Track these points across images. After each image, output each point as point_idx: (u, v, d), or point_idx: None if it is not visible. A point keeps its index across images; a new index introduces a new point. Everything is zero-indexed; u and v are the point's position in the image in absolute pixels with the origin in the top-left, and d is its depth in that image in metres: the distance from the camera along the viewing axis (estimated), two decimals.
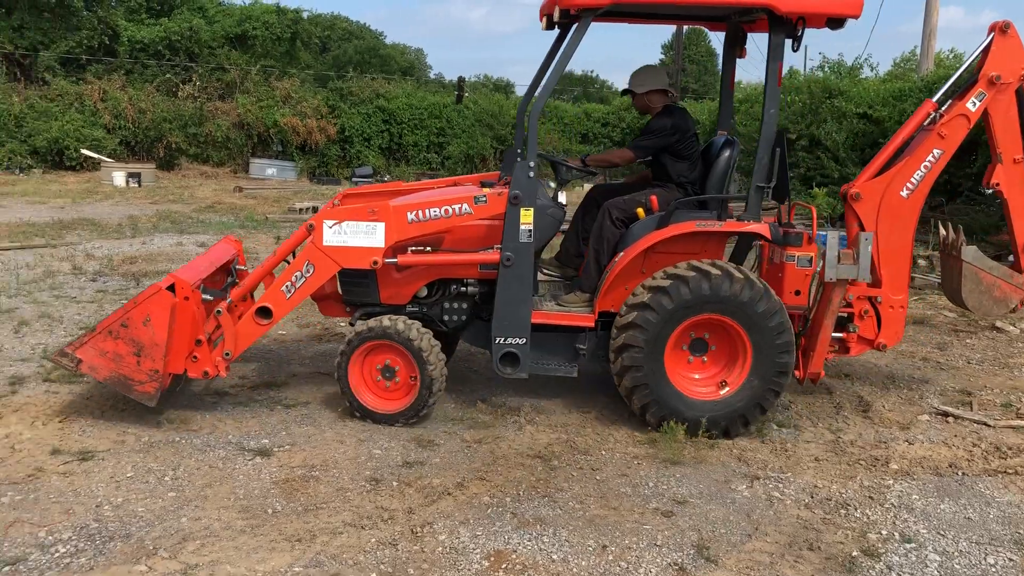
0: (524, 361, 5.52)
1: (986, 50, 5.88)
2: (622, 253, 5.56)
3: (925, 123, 5.98)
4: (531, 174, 5.32)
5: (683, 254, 5.48)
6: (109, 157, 23.80)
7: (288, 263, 5.56)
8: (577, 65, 66.89)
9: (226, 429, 5.30)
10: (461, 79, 32.01)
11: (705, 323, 5.39)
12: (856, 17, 5.36)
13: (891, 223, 5.92)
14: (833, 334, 5.83)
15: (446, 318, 5.85)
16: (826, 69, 25.95)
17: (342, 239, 5.43)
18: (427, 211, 5.45)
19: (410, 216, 5.44)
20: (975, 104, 5.86)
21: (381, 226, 5.41)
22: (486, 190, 5.55)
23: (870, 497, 4.64)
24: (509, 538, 4.06)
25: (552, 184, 5.93)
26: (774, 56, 5.38)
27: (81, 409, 5.51)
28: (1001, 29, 5.84)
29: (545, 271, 6.38)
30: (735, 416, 5.38)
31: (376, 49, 48.52)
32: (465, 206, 5.46)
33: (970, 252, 6.18)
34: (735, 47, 6.30)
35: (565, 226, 6.35)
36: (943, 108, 5.95)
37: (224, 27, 30.15)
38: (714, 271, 5.26)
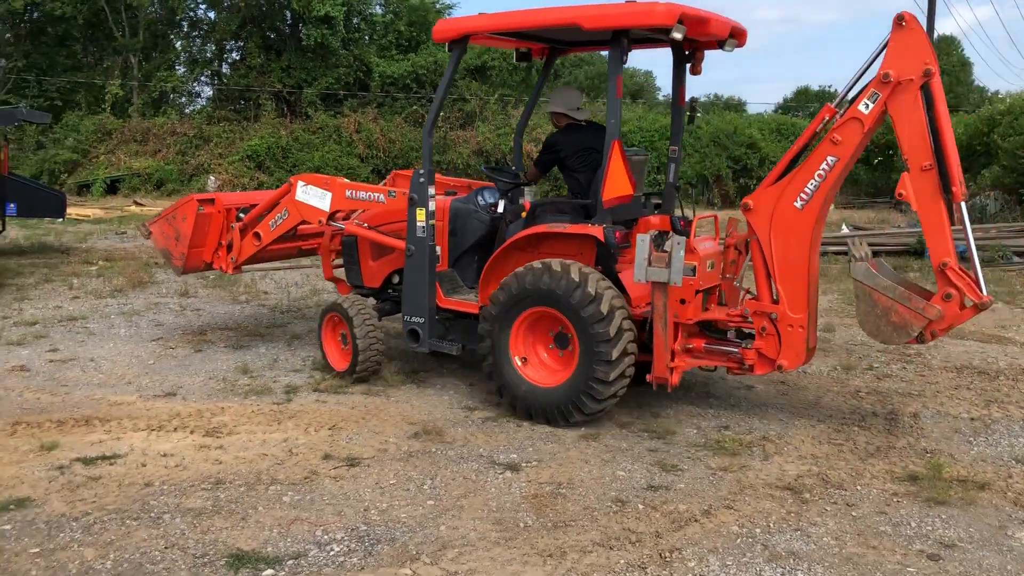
0: (424, 338, 6.50)
1: (885, 45, 5.25)
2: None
3: (818, 129, 5.48)
4: (421, 180, 6.30)
5: (559, 255, 5.87)
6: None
7: None
8: (814, 80, 64.02)
9: (477, 443, 5.54)
10: (693, 100, 31.65)
11: (549, 316, 5.81)
12: (668, 27, 5.39)
13: (785, 236, 5.52)
14: (727, 349, 5.73)
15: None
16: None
17: (305, 197, 7.03)
18: (359, 192, 6.83)
19: (348, 193, 6.85)
20: (868, 106, 5.28)
21: (329, 195, 6.91)
22: (401, 189, 6.54)
23: None
24: (761, 570, 3.95)
25: (491, 195, 6.86)
26: (612, 70, 5.84)
27: (347, 417, 5.96)
28: (898, 22, 5.19)
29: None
30: (563, 404, 5.71)
31: (606, 74, 48.98)
32: (381, 196, 6.70)
33: (860, 270, 5.45)
34: (682, 65, 6.67)
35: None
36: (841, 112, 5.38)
37: (465, 60, 31.59)
38: (546, 267, 5.69)
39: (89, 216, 19.17)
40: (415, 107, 29.24)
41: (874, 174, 27.81)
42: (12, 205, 12.59)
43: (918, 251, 13.43)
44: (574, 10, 5.74)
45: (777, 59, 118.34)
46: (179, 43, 32.39)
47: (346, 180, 7.12)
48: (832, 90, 57.88)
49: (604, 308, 5.50)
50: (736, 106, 49.68)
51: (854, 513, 4.57)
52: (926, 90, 5.16)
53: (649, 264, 5.43)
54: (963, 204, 5.23)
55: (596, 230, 5.73)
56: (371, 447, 5.43)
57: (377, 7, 31.22)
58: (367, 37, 30.79)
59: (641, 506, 4.62)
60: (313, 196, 6.99)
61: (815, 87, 58.29)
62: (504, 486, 4.86)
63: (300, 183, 7.07)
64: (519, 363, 5.95)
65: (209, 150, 26.22)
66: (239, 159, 25.32)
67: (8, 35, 29.69)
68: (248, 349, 7.84)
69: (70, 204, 16.57)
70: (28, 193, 13.05)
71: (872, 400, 6.55)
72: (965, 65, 52.74)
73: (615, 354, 5.51)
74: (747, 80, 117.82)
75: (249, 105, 29.42)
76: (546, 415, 5.81)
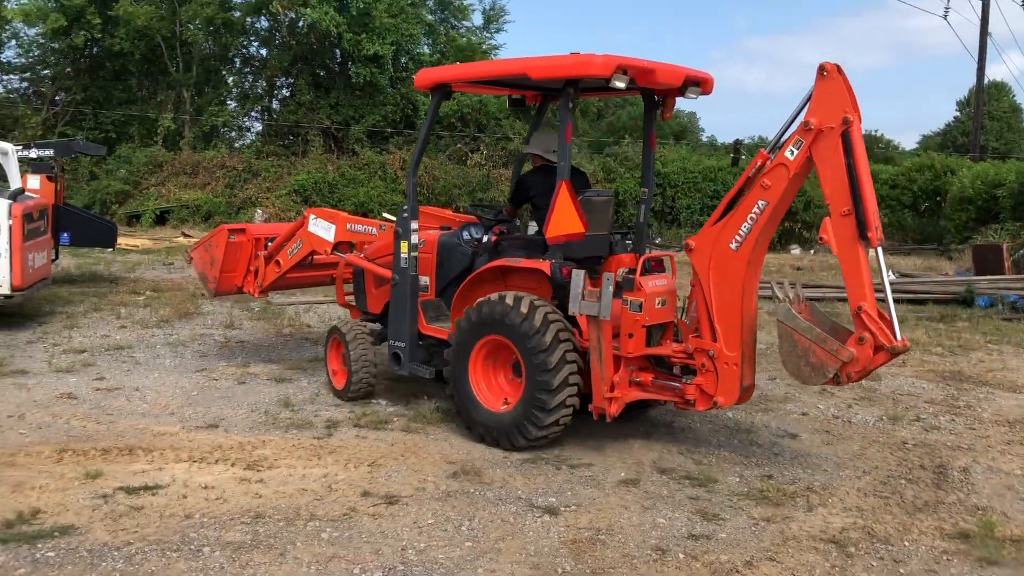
0: (405, 361, 6.93)
1: (810, 95, 5.48)
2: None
3: (751, 173, 5.67)
4: (404, 215, 6.79)
5: (522, 287, 6.30)
6: None
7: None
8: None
9: (515, 484, 5.50)
10: (737, 141, 31.64)
11: (505, 345, 6.11)
12: (606, 77, 5.76)
13: (721, 276, 5.74)
14: (673, 384, 5.96)
15: None
16: None
17: (315, 229, 7.60)
18: (356, 226, 7.50)
19: (348, 226, 7.44)
20: (793, 153, 5.51)
21: (333, 227, 7.48)
22: (388, 222, 7.18)
23: None
24: None
25: (476, 230, 7.21)
26: (562, 116, 6.21)
27: (387, 454, 5.97)
28: (820, 72, 5.42)
29: None
30: (507, 429, 6.04)
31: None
32: (374, 229, 7.39)
33: (782, 311, 5.60)
34: (651, 112, 6.86)
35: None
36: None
37: (508, 98, 31.93)
38: (501, 299, 6.07)
39: (138, 246, 19.57)
40: (459, 145, 29.57)
41: (921, 220, 27.43)
42: (66, 234, 12.92)
43: (967, 300, 13.19)
44: (523, 61, 6.31)
45: None
46: (231, 79, 33.16)
47: (349, 214, 7.79)
48: (878, 133, 57.59)
49: (548, 339, 5.82)
50: None
51: (901, 570, 4.45)
52: (846, 138, 5.31)
53: (582, 298, 5.70)
54: (879, 249, 5.39)
55: (544, 265, 6.14)
56: (410, 485, 5.42)
57: (425, 47, 31.75)
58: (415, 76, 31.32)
59: (682, 555, 4.54)
60: (321, 228, 7.62)
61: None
62: (542, 530, 4.82)
63: (312, 216, 7.70)
64: (476, 387, 6.32)
65: (257, 184, 26.71)
66: (286, 193, 25.75)
67: (68, 69, 30.63)
68: (290, 382, 7.90)
69: (120, 234, 16.96)
70: (81, 223, 13.38)
71: (920, 452, 6.41)
72: (1016, 111, 52.05)
73: (555, 383, 5.81)
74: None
75: (297, 140, 29.97)
76: (495, 438, 6.14)
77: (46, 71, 31.53)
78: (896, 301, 12.98)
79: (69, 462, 5.65)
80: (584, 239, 6.25)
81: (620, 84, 5.88)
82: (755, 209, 5.60)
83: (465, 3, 33.15)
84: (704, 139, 56.86)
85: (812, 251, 25.84)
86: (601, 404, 5.86)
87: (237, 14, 31.02)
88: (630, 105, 50.81)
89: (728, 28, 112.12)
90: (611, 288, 5.61)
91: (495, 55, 34.47)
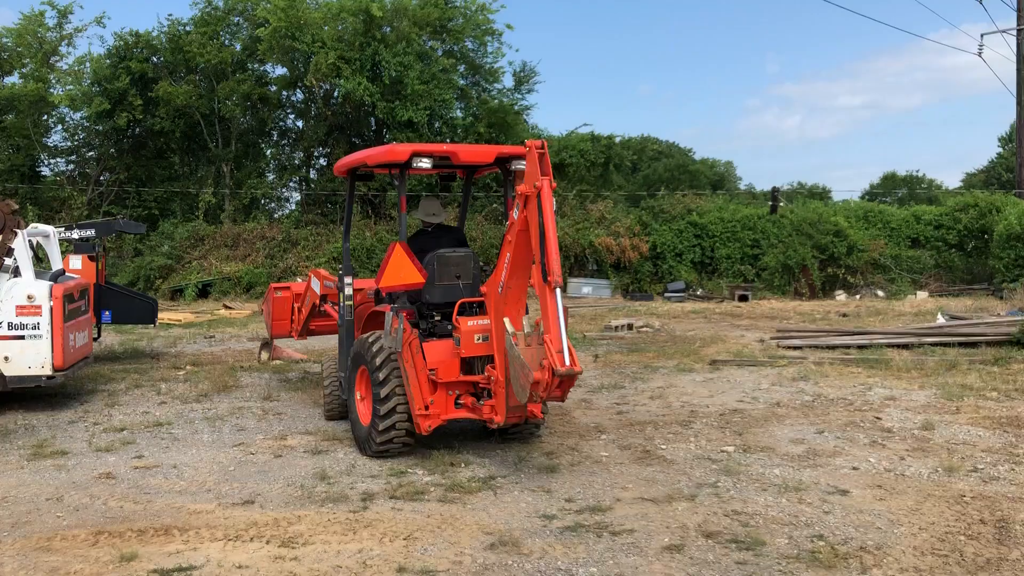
0: (344, 387, 8.67)
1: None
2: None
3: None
4: (341, 273, 8.68)
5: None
6: None
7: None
8: (900, 165, 63.04)
9: (555, 555, 5.33)
10: (775, 189, 31.41)
11: (366, 373, 7.78)
12: (403, 162, 7.63)
13: (496, 314, 7.10)
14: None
15: None
16: None
17: (313, 285, 10.10)
18: (326, 282, 9.68)
19: (325, 282, 9.73)
20: (516, 213, 6.88)
21: (318, 283, 9.89)
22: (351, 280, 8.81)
23: None
24: None
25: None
26: (398, 190, 8.10)
27: (423, 526, 5.84)
28: (525, 151, 6.90)
29: None
30: (364, 438, 7.65)
31: (685, 165, 49.20)
32: (331, 284, 9.50)
33: (507, 342, 6.75)
34: (506, 181, 8.26)
35: None
36: None
37: None
38: (365, 337, 7.82)
39: (180, 320, 19.80)
40: (495, 205, 29.76)
41: (968, 260, 26.87)
42: (107, 313, 13.11)
43: (1021, 341, 12.77)
44: (361, 153, 8.28)
45: (861, 145, 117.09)
46: (269, 151, 33.85)
47: (327, 272, 10.03)
48: (920, 174, 56.90)
49: (383, 372, 7.39)
50: (821, 194, 49.04)
51: None
52: (539, 200, 6.50)
53: (388, 334, 7.48)
54: (557, 290, 6.44)
55: (385, 308, 7.86)
56: (446, 559, 5.27)
57: (458, 111, 32.22)
58: (448, 139, 31.68)
59: None
60: (315, 283, 10.07)
61: (902, 172, 57.31)
62: None
63: (311, 275, 10.23)
64: (358, 408, 7.96)
65: (296, 253, 27.07)
66: (325, 261, 26.04)
67: (112, 150, 31.53)
68: (327, 454, 7.83)
69: (163, 308, 17.21)
70: (122, 301, 13.58)
71: (979, 506, 6.11)
72: None
73: (384, 409, 7.34)
74: (831, 167, 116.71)
75: (335, 208, 30.39)
76: (361, 447, 7.77)
77: (91, 153, 32.47)
78: (946, 345, 12.80)
79: (104, 545, 5.60)
80: (437, 288, 7.86)
81: (424, 164, 7.60)
82: (505, 260, 7.01)
83: (496, 66, 33.67)
84: (742, 187, 56.61)
85: (858, 296, 25.40)
86: (416, 419, 7.33)
87: (273, 88, 31.80)
88: (665, 157, 50.99)
89: (759, 75, 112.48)
90: (400, 326, 7.33)
91: (527, 116, 34.88)
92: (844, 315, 19.24)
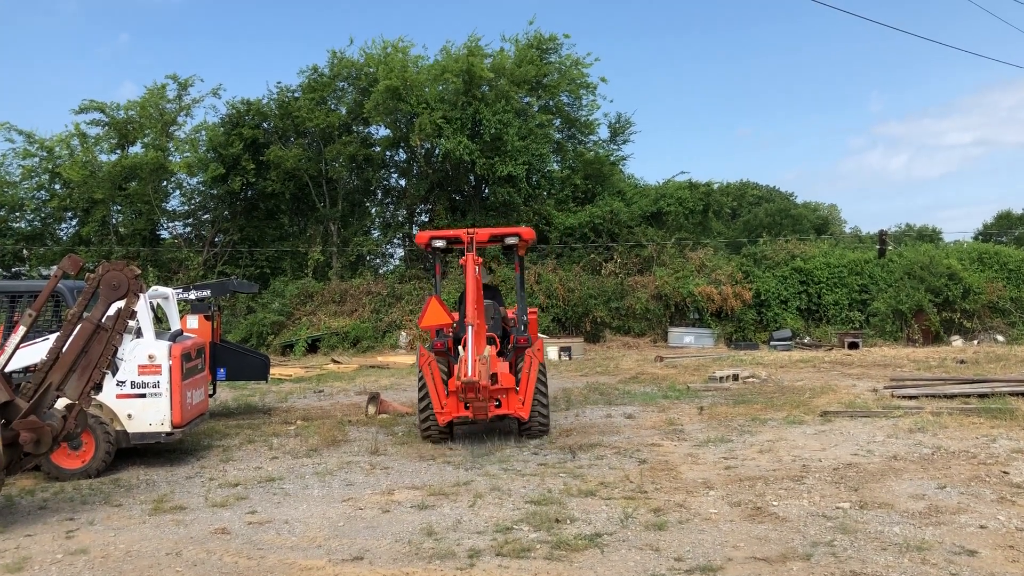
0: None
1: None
2: None
3: None
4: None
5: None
6: (543, 333, 26.06)
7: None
8: (1016, 203, 60.04)
9: None
10: (883, 232, 30.50)
11: None
12: (423, 245, 11.62)
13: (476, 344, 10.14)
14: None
15: None
16: None
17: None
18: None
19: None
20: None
21: None
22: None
23: None
24: None
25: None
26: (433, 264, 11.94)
27: None
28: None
29: None
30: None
31: (787, 210, 48.25)
32: None
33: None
34: (512, 257, 11.15)
35: None
36: None
37: (641, 207, 32.16)
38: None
39: (291, 375, 20.40)
40: (592, 255, 29.81)
41: None
42: (222, 370, 13.64)
43: None
44: (424, 234, 11.80)
45: (972, 184, 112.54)
46: (374, 209, 34.90)
47: None
48: None
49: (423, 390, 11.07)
50: (931, 235, 47.30)
51: None
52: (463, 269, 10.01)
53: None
54: (470, 327, 9.73)
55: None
56: None
57: (555, 164, 32.58)
58: (546, 192, 32.03)
59: None
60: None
61: (1017, 211, 54.77)
62: None
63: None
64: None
65: (401, 307, 27.69)
66: None
67: (226, 212, 33.05)
68: (433, 509, 7.88)
69: (274, 364, 17.76)
70: (236, 358, 14.10)
71: None
72: None
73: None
74: (941, 207, 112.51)
75: None
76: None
77: (206, 215, 34.15)
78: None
79: None
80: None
81: (439, 244, 11.50)
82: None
83: (591, 119, 33.99)
84: (847, 230, 55.10)
85: (976, 342, 24.28)
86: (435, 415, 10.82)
87: (377, 149, 32.88)
88: (766, 202, 50.14)
89: (863, 114, 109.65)
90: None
91: (623, 166, 35.02)
92: (962, 362, 18.39)
